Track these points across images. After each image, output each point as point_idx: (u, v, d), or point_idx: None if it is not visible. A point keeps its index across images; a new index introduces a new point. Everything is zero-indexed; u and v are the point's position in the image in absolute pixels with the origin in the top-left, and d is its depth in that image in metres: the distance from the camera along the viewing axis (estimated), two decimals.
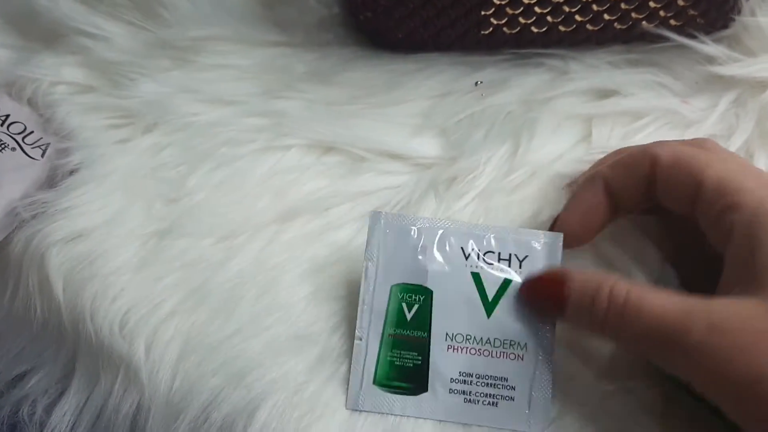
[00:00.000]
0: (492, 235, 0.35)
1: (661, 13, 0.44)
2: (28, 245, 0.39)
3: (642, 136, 0.42)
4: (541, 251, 0.34)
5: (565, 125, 0.43)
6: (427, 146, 0.43)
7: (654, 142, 0.36)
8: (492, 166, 0.41)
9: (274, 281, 0.38)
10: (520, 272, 0.34)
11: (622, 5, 0.44)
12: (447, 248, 0.35)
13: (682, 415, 0.33)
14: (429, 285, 0.34)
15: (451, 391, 0.33)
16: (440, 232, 0.35)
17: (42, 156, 0.43)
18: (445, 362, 0.34)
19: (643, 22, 0.45)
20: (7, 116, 0.44)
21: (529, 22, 0.45)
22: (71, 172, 0.42)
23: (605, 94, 0.45)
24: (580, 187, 0.36)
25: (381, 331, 0.34)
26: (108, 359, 0.36)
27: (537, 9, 0.44)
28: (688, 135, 0.42)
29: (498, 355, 0.33)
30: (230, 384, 0.34)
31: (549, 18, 0.44)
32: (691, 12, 0.44)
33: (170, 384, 0.35)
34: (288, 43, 0.48)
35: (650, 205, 0.34)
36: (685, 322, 0.27)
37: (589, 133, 0.43)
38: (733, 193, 0.30)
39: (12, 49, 0.49)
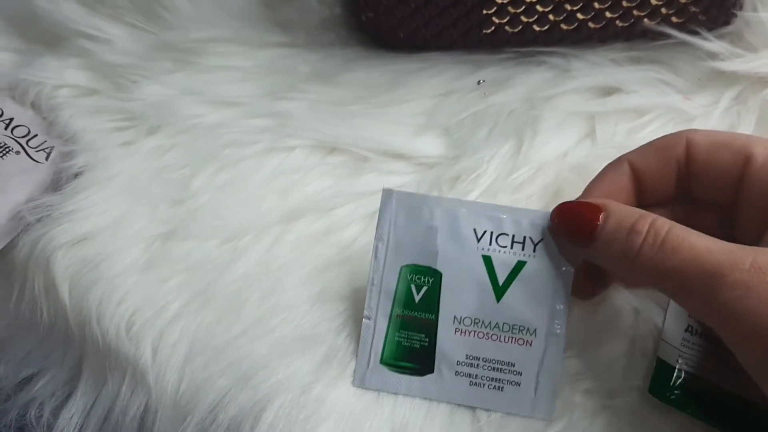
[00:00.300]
0: (506, 217, 0.33)
1: (663, 10, 0.44)
2: (34, 249, 0.39)
3: (646, 133, 0.42)
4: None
5: (568, 123, 0.43)
6: (431, 145, 0.43)
7: (685, 130, 0.34)
8: (495, 164, 0.41)
9: (279, 282, 0.38)
10: (534, 256, 0.33)
11: (624, 3, 0.44)
12: (459, 230, 0.34)
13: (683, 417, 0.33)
14: (438, 267, 0.34)
15: (457, 373, 0.33)
16: (453, 212, 0.34)
17: (46, 159, 0.43)
18: (451, 344, 0.34)
19: (645, 20, 0.45)
20: (11, 120, 0.44)
21: (530, 20, 0.45)
22: (76, 175, 0.42)
23: (608, 91, 0.45)
24: (603, 170, 0.35)
25: (389, 312, 0.34)
26: (115, 362, 0.36)
27: (539, 7, 0.44)
28: None
29: (506, 340, 0.33)
30: (237, 385, 0.34)
31: (551, 16, 0.44)
32: (693, 9, 0.44)
33: (177, 386, 0.35)
34: (290, 44, 0.49)
35: (678, 195, 0.33)
36: (727, 261, 0.26)
37: (592, 131, 0.43)
38: None
39: (14, 53, 0.50)
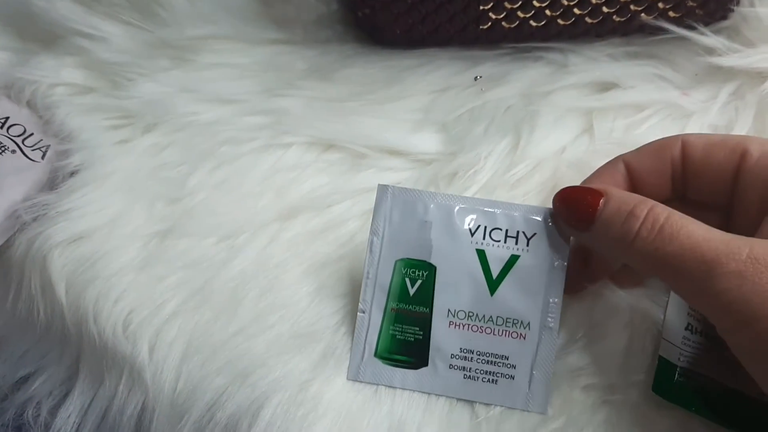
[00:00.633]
0: (500, 212, 0.34)
1: (660, 4, 0.44)
2: (30, 248, 0.39)
3: (644, 129, 0.42)
4: (551, 230, 0.34)
5: (565, 118, 0.43)
6: (428, 142, 0.43)
7: (680, 134, 0.35)
8: (493, 160, 0.41)
9: (276, 280, 0.38)
10: (528, 250, 0.34)
11: None
12: (453, 224, 0.34)
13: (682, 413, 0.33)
14: (433, 261, 0.34)
15: (451, 366, 0.34)
16: (447, 207, 0.34)
17: (42, 158, 0.43)
18: (445, 338, 0.34)
19: (642, 14, 0.45)
20: (7, 118, 0.44)
21: (527, 15, 0.45)
22: (72, 174, 0.42)
23: (605, 87, 0.45)
24: (599, 169, 0.35)
25: (384, 305, 0.34)
26: (112, 360, 0.36)
27: (535, 3, 0.44)
28: (690, 127, 0.42)
29: (500, 333, 0.33)
30: (234, 383, 0.34)
31: (547, 11, 0.44)
32: (690, 3, 0.44)
33: (174, 384, 0.34)
34: (287, 40, 0.48)
35: (673, 197, 0.34)
36: (724, 250, 0.27)
37: (589, 126, 0.43)
38: None
39: (10, 51, 0.49)
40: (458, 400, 0.34)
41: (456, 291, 0.34)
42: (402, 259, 0.34)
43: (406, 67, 0.47)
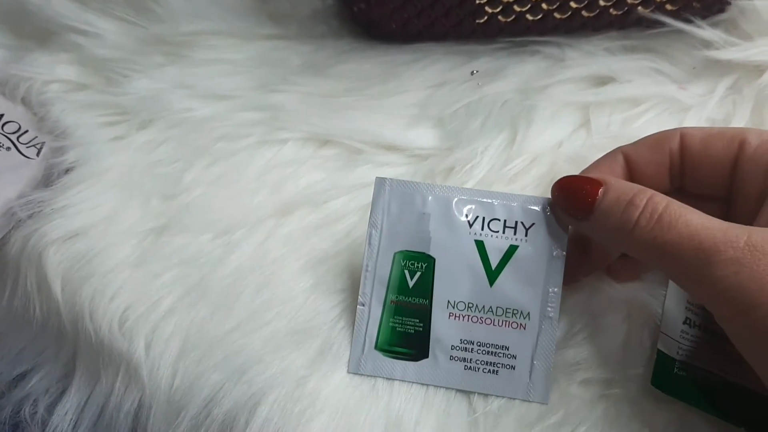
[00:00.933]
0: (498, 203, 0.34)
1: None
2: (26, 245, 0.38)
3: (641, 123, 0.42)
4: (549, 220, 0.34)
5: (562, 113, 0.43)
6: (424, 137, 0.43)
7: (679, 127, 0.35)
8: (490, 155, 0.41)
9: (273, 276, 0.38)
10: (526, 240, 0.34)
11: None
12: (451, 216, 0.34)
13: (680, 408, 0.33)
14: (431, 252, 0.34)
15: (451, 358, 0.34)
16: (445, 198, 0.34)
17: (37, 155, 0.43)
18: (446, 329, 0.34)
19: (639, 8, 0.44)
20: (2, 116, 0.44)
21: (523, 9, 0.44)
22: (67, 171, 0.42)
23: (602, 81, 0.45)
24: (597, 160, 0.35)
25: (383, 298, 0.34)
26: (108, 357, 0.36)
27: None
28: (687, 121, 0.42)
29: (500, 324, 0.33)
30: (231, 380, 0.34)
31: (544, 5, 0.44)
32: None
33: (171, 381, 0.34)
34: (282, 36, 0.48)
35: (671, 190, 0.34)
36: (722, 238, 0.27)
37: (587, 120, 0.43)
38: None
39: (4, 48, 0.49)
40: (456, 394, 0.34)
41: (455, 282, 0.34)
42: (401, 252, 0.34)
43: (402, 62, 0.46)
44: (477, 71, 0.46)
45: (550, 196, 0.33)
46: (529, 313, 0.33)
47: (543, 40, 0.46)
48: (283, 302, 0.37)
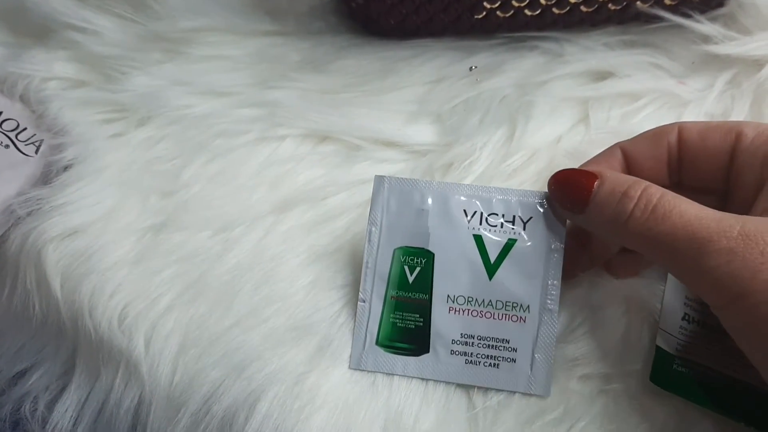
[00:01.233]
0: (496, 197, 0.34)
1: None
2: (25, 242, 0.38)
3: (640, 118, 0.42)
4: (547, 214, 0.34)
5: (561, 108, 0.43)
6: (423, 133, 0.43)
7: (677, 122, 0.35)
8: (489, 150, 0.41)
9: (272, 272, 0.38)
10: (525, 234, 0.34)
11: None
12: (449, 211, 0.34)
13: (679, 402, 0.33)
14: (430, 248, 0.34)
15: (452, 352, 0.34)
16: (443, 194, 0.35)
17: (36, 152, 0.43)
18: (446, 324, 0.34)
19: (638, 2, 0.44)
20: (0, 113, 0.44)
21: (522, 5, 0.44)
22: (65, 168, 0.42)
23: (601, 76, 0.45)
24: (596, 155, 0.36)
25: (384, 294, 0.35)
26: (108, 354, 0.36)
27: None
28: (686, 115, 0.42)
29: (500, 317, 0.34)
30: (230, 376, 0.34)
31: (542, 0, 0.44)
32: None
33: (171, 378, 0.34)
34: (280, 32, 0.48)
35: (669, 185, 0.33)
36: (716, 228, 0.27)
37: (585, 116, 0.43)
38: None
39: (2, 45, 0.49)
40: (455, 390, 0.34)
41: (454, 277, 0.34)
42: (400, 248, 0.35)
43: (401, 58, 0.46)
44: (475, 67, 0.46)
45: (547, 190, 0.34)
46: (528, 306, 0.33)
47: (541, 36, 0.46)
48: (282, 299, 0.37)
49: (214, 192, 0.41)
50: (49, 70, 0.46)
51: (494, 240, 0.34)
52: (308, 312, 0.36)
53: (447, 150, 0.42)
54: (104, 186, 0.41)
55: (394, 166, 0.42)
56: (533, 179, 0.40)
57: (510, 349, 0.33)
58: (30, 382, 0.38)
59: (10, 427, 0.38)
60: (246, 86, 0.45)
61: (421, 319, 0.34)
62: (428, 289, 0.34)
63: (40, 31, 0.48)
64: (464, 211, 0.34)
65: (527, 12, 0.45)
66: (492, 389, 0.34)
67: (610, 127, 0.42)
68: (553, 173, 0.33)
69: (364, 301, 0.35)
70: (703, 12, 0.44)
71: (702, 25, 0.44)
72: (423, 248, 0.34)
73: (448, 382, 0.34)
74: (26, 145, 0.43)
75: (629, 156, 0.34)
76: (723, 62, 0.44)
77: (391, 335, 0.34)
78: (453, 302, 0.34)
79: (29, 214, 0.40)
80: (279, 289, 0.37)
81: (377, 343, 0.34)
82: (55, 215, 0.39)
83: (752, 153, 0.31)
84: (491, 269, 0.34)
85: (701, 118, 0.42)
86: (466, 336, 0.34)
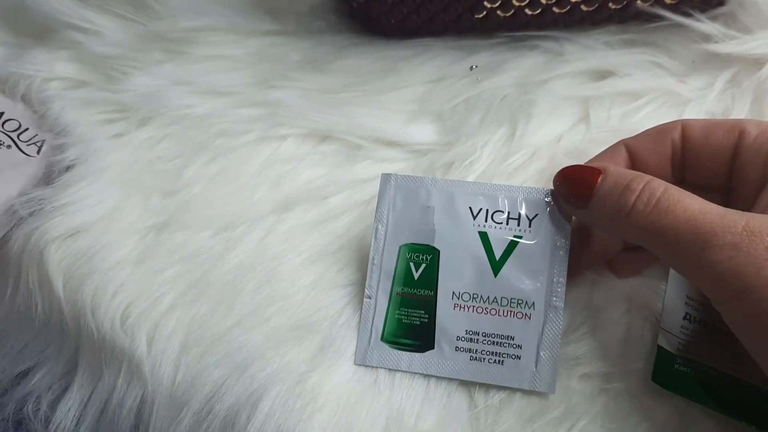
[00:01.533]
0: (501, 195, 0.35)
1: None
2: (27, 243, 0.38)
3: (640, 117, 0.42)
4: (552, 211, 0.34)
5: (562, 107, 0.43)
6: (423, 132, 0.43)
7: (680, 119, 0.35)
8: (489, 149, 0.41)
9: (274, 272, 0.38)
10: (530, 231, 0.34)
11: None
12: (455, 208, 0.35)
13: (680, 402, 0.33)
14: (436, 244, 0.34)
15: (457, 348, 0.34)
16: (449, 192, 0.35)
17: (38, 153, 0.43)
18: (451, 320, 0.34)
19: (638, 1, 0.44)
20: (2, 114, 0.44)
21: (522, 4, 0.44)
22: (67, 168, 0.42)
23: (601, 75, 0.45)
24: (600, 153, 0.36)
25: (389, 290, 0.35)
26: (110, 354, 0.36)
27: None
28: (686, 114, 0.42)
29: (505, 314, 0.34)
30: (233, 376, 0.34)
31: (543, 0, 0.44)
32: None
33: (173, 377, 0.35)
34: (280, 31, 0.48)
35: (672, 181, 0.33)
36: (720, 223, 0.27)
37: (586, 115, 0.43)
38: None
39: (4, 46, 0.49)
40: (457, 388, 0.34)
41: (460, 273, 0.34)
42: (406, 244, 0.35)
43: (401, 57, 0.46)
44: (476, 66, 0.46)
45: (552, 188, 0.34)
46: (533, 303, 0.34)
47: (542, 35, 0.46)
48: (284, 298, 0.37)
49: (216, 192, 0.41)
50: (50, 70, 0.46)
51: (500, 237, 0.34)
52: (310, 311, 0.36)
53: (448, 149, 0.42)
54: (106, 186, 0.41)
55: (395, 165, 0.42)
56: (534, 178, 0.40)
57: (515, 346, 0.34)
58: (33, 382, 0.38)
59: (13, 426, 0.38)
60: (247, 86, 0.45)
61: (426, 316, 0.34)
62: (433, 285, 0.34)
63: (40, 31, 0.48)
64: (470, 208, 0.34)
65: (528, 11, 0.45)
66: (493, 387, 0.34)
67: (611, 126, 0.42)
68: (555, 172, 0.33)
69: (369, 297, 0.35)
70: (703, 11, 0.44)
71: (702, 24, 0.44)
72: (428, 245, 0.34)
73: (450, 381, 0.34)
74: (28, 145, 0.43)
75: (633, 153, 0.34)
76: (723, 61, 0.44)
77: (396, 331, 0.35)
78: (458, 299, 0.34)
79: (31, 214, 0.40)
80: (281, 288, 0.37)
81: (382, 339, 0.35)
82: (57, 215, 0.39)
83: (755, 151, 0.31)
84: (496, 266, 0.34)
85: (702, 117, 0.42)
86: (471, 333, 0.34)
